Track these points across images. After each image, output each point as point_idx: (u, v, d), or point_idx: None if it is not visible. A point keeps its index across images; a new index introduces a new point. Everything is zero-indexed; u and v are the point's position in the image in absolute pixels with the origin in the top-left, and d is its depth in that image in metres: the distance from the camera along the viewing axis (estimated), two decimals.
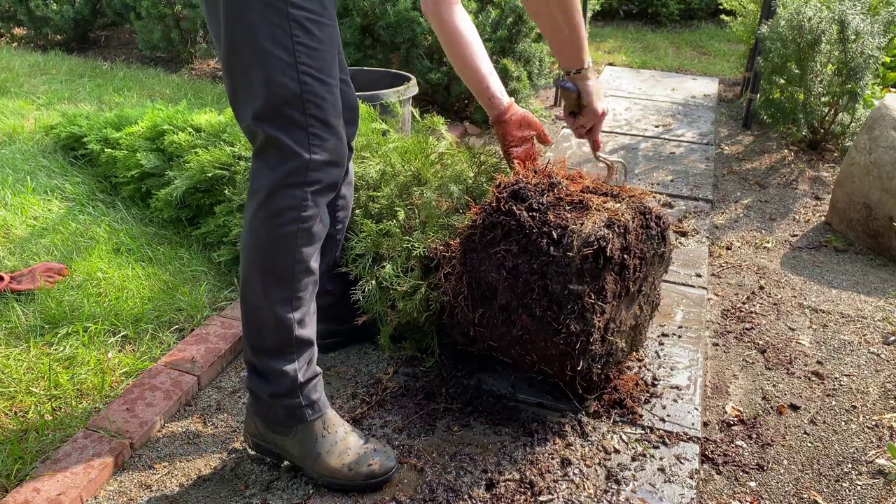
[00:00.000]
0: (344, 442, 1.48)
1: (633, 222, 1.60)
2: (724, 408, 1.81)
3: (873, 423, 1.77)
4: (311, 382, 1.46)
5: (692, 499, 1.48)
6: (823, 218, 2.93)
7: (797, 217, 2.96)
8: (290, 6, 1.22)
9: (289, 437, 1.47)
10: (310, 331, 1.44)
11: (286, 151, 1.31)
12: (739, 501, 1.53)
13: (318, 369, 1.49)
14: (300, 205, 1.34)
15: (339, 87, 1.59)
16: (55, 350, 1.86)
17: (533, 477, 1.50)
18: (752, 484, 1.58)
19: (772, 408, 1.82)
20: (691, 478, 1.53)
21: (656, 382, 1.82)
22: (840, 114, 3.44)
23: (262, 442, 1.51)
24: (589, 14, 4.83)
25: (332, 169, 1.37)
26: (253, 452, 1.56)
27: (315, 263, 1.41)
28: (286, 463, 1.52)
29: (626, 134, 3.81)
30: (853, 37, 3.17)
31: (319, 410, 1.47)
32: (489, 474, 1.51)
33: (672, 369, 1.87)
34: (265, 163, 1.33)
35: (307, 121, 1.30)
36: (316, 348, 1.48)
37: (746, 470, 1.61)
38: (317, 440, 1.46)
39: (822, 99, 3.36)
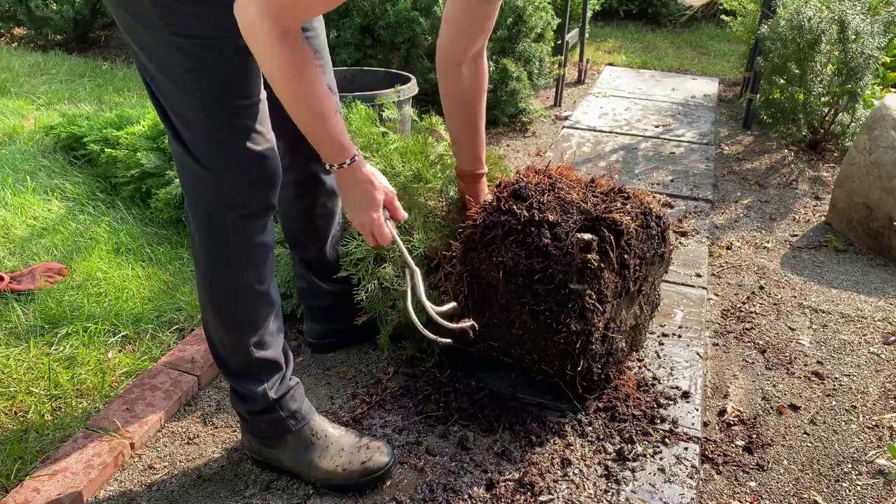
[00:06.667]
0: (336, 444, 1.48)
1: (633, 222, 1.60)
2: (724, 408, 1.81)
3: (873, 423, 1.77)
4: (287, 395, 1.45)
5: (692, 499, 1.48)
6: (823, 218, 2.93)
7: (797, 217, 2.96)
8: (171, 35, 1.17)
9: (280, 448, 1.47)
10: (272, 351, 1.42)
11: (200, 177, 1.27)
12: (739, 501, 1.53)
13: (293, 381, 1.48)
14: (226, 230, 1.29)
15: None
16: (55, 350, 1.86)
17: (533, 477, 1.50)
18: (752, 484, 1.57)
19: (772, 408, 1.82)
20: (691, 478, 1.53)
21: (656, 382, 1.82)
22: (840, 114, 3.44)
23: (259, 457, 1.52)
24: (589, 14, 4.83)
25: (259, 191, 1.29)
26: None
27: (262, 285, 1.36)
28: None
29: (626, 134, 3.81)
30: (853, 37, 3.17)
31: (304, 418, 1.47)
32: (489, 474, 1.51)
33: (672, 369, 1.87)
34: (187, 188, 1.31)
35: (212, 146, 1.24)
36: (285, 366, 1.46)
37: (746, 470, 1.61)
38: (307, 447, 1.47)
39: (822, 99, 3.36)
